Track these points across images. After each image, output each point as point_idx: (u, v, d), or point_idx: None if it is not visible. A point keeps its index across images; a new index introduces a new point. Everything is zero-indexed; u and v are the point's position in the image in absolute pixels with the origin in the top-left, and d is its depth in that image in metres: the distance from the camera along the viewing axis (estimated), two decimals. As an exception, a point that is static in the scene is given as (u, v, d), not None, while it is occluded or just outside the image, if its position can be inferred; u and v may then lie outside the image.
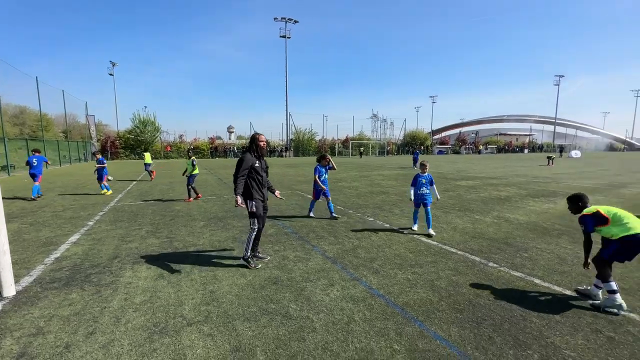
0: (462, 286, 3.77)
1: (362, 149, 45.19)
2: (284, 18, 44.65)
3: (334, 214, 7.29)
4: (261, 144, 4.48)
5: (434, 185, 6.14)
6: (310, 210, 7.52)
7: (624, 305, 3.19)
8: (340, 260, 4.60)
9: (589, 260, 3.48)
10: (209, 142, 44.11)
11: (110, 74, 43.27)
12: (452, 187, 12.50)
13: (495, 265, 4.44)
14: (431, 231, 5.90)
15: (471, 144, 68.50)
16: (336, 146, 51.56)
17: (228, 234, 6.01)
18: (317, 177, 7.20)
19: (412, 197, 6.05)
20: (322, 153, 8.42)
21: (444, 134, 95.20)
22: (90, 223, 6.91)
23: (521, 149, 73.27)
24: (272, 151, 46.98)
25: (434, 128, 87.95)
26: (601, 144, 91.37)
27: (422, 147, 58.69)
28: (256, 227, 4.37)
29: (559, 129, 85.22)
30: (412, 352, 2.57)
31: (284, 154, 46.02)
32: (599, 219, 3.33)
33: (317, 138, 53.65)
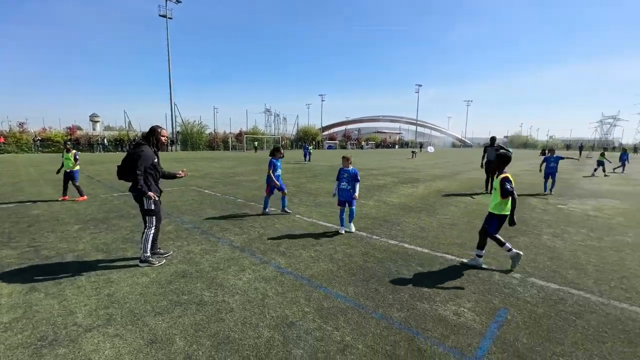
0: (354, 256, 4.55)
1: (256, 143, 44.76)
2: (163, -6, 39.67)
3: (286, 209, 7.18)
4: (162, 138, 4.23)
5: (357, 183, 5.52)
6: (265, 208, 7.13)
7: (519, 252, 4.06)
8: (248, 248, 4.80)
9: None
10: (66, 133, 35.57)
11: None
12: (342, 178, 14.04)
13: (377, 237, 5.46)
14: (352, 227, 5.66)
15: (355, 140, 76.61)
16: (229, 140, 49.53)
17: (115, 235, 5.35)
18: (271, 172, 6.94)
19: (335, 192, 5.67)
20: (276, 145, 8.39)
21: (332, 130, 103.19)
22: None
23: (393, 145, 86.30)
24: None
25: (324, 125, 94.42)
26: (447, 142, 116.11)
27: (314, 142, 62.36)
28: (154, 225, 4.13)
29: (420, 129, 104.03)
30: (319, 311, 3.07)
31: (169, 147, 41.36)
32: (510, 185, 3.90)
33: (208, 131, 50.33)
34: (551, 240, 5.42)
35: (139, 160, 3.89)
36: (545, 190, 10.53)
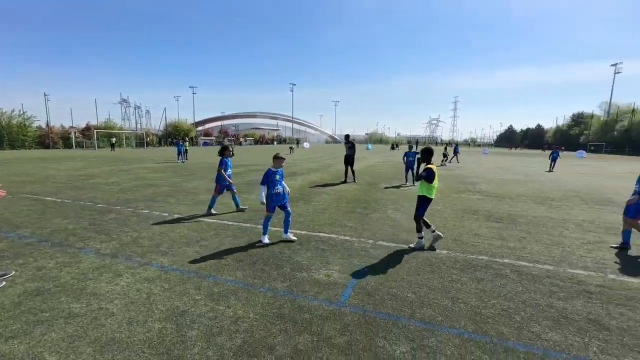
0: (239, 245, 4.84)
1: (113, 140, 37.57)
2: None
3: (240, 207, 7.07)
4: None
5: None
6: (210, 207, 6.79)
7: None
8: (121, 254, 4.41)
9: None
10: None
11: None
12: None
13: (260, 226, 5.88)
14: (291, 236, 5.06)
15: (233, 136, 74.41)
16: (72, 136, 39.94)
17: None
18: (222, 170, 6.73)
19: (264, 200, 4.98)
20: (224, 144, 7.54)
21: (207, 126, 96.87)
22: None
23: (272, 141, 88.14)
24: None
25: (197, 119, 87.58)
26: (321, 139, 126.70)
27: (188, 139, 57.26)
28: None
29: (296, 126, 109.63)
30: (210, 296, 3.28)
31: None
32: (432, 175, 4.71)
33: (36, 124, 39.19)
34: (393, 213, 7.10)
35: None
36: (406, 182, 12.18)
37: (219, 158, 7.01)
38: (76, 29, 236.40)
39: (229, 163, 6.99)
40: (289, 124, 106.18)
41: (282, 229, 5.25)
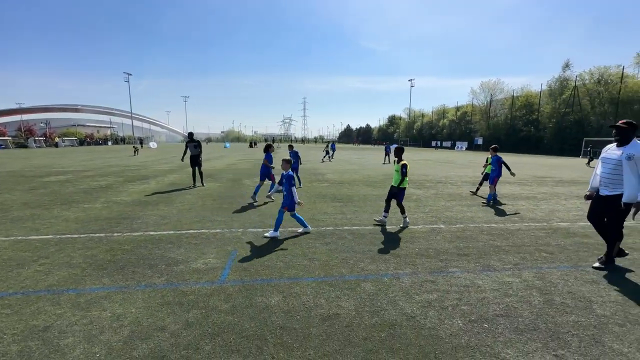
0: (97, 255, 4.43)
1: None
2: None
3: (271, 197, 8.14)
4: None
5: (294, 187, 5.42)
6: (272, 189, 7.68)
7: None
8: None
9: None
10: None
11: None
12: (41, 185, 10.91)
13: (119, 234, 5.43)
14: (276, 233, 5.30)
15: (43, 136, 57.05)
16: None
17: None
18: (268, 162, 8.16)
19: (297, 199, 5.33)
20: (268, 142, 7.58)
21: (-6, 121, 70.43)
22: None
23: (105, 141, 72.65)
24: None
25: (-26, 112, 62.54)
26: (171, 137, 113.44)
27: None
28: None
29: (137, 123, 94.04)
30: (77, 306, 3.09)
31: None
32: (405, 170, 5.85)
33: None
34: (257, 205, 7.84)
35: None
36: (300, 185, 12.00)
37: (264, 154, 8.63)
38: None
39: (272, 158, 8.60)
40: (127, 121, 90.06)
41: (144, 231, 5.08)
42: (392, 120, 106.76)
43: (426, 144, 75.78)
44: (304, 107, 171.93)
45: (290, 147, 11.09)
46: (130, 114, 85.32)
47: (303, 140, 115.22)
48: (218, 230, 5.65)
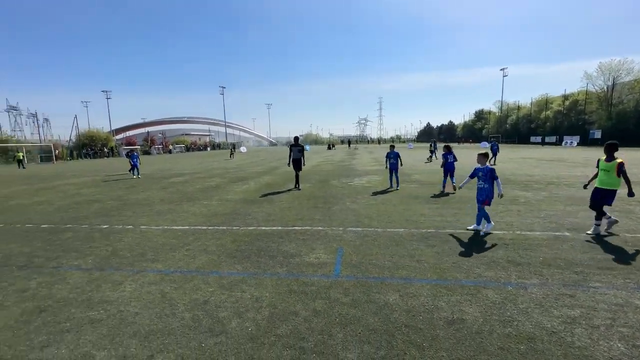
0: (226, 245, 5.18)
1: (21, 155, 31.11)
2: None
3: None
4: None
5: (497, 180, 5.41)
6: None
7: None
8: (106, 266, 4.41)
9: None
10: None
11: None
12: (168, 185, 13.20)
13: (237, 227, 6.23)
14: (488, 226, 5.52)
15: (161, 144, 68.82)
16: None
17: None
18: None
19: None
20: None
21: (128, 133, 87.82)
22: None
23: (205, 147, 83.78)
24: None
25: (115, 127, 78.79)
26: (256, 142, 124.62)
27: (106, 150, 51.16)
28: None
29: (229, 130, 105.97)
30: (222, 287, 3.67)
31: None
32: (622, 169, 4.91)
33: None
34: (351, 205, 8.04)
35: None
36: (391, 186, 10.46)
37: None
38: None
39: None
40: (222, 129, 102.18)
41: (257, 226, 5.71)
42: (480, 115, 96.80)
43: (522, 140, 66.42)
44: (380, 106, 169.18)
45: (392, 147, 10.76)
46: (224, 123, 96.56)
47: (379, 141, 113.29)
48: (320, 228, 6.00)
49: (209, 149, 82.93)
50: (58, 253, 5.02)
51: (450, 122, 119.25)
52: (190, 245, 5.20)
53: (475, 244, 4.91)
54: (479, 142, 62.07)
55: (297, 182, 11.05)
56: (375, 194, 9.61)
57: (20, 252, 5.15)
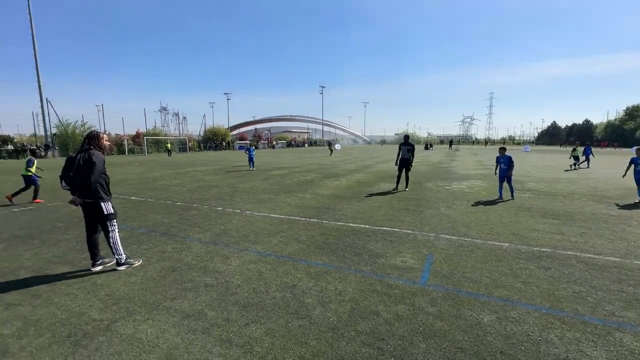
0: (315, 237, 5.49)
1: (169, 145, 39.97)
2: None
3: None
4: (107, 143, 4.36)
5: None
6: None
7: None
8: (219, 242, 5.22)
9: None
10: None
11: None
12: (270, 177, 14.68)
13: (326, 221, 6.52)
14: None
15: (266, 140, 76.75)
16: (125, 143, 43.59)
17: (59, 248, 4.98)
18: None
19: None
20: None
21: (241, 130, 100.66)
22: None
23: (302, 143, 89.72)
24: (18, 151, 33.60)
25: (231, 124, 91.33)
26: (349, 140, 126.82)
27: (224, 143, 60.07)
28: (116, 227, 4.15)
29: (325, 128, 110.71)
30: (309, 275, 3.93)
31: (43, 153, 33.99)
32: None
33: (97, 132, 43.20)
34: (446, 210, 7.44)
35: (94, 166, 3.84)
36: (500, 197, 8.96)
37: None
38: (115, 40, 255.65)
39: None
40: (319, 127, 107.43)
41: (345, 222, 5.82)
42: (634, 112, 75.55)
43: None
44: (490, 103, 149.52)
45: (503, 149, 9.06)
46: (321, 121, 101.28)
47: (486, 142, 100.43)
48: (409, 231, 5.76)
49: (306, 145, 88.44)
50: (186, 226, 6.20)
51: (587, 121, 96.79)
52: (285, 233, 5.70)
53: (609, 274, 3.94)
54: (630, 147, 48.64)
55: (406, 183, 10.37)
56: (476, 201, 8.65)
57: (162, 222, 6.56)
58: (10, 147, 34.52)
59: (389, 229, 5.96)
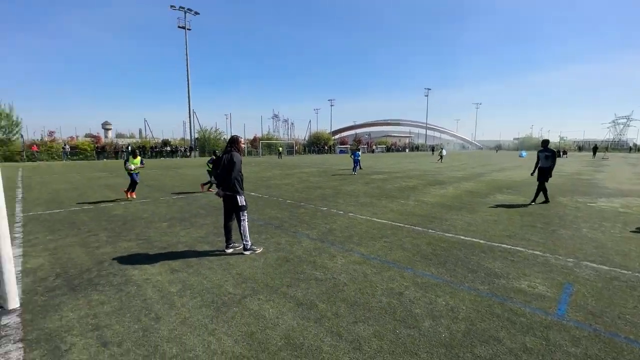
0: (421, 245, 5.24)
1: (280, 148, 45.16)
2: (183, 8, 41.30)
3: None
4: (243, 146, 5.09)
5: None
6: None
7: None
8: (325, 240, 5.54)
9: None
10: (92, 141, 37.18)
11: None
12: (370, 180, 14.72)
13: (433, 231, 6.14)
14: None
15: (366, 144, 77.29)
16: (244, 146, 50.75)
17: (203, 230, 6.15)
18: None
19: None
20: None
21: (342, 134, 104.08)
22: (18, 235, 5.86)
23: (403, 148, 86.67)
24: (174, 151, 42.95)
25: (333, 129, 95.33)
26: (456, 145, 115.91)
27: (327, 147, 63.24)
28: (247, 217, 4.85)
29: (429, 132, 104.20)
30: (416, 285, 3.78)
31: (189, 153, 42.68)
32: None
33: (223, 137, 51.65)
34: (591, 233, 6.02)
35: (233, 165, 4.63)
36: None
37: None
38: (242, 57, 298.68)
39: None
40: (422, 131, 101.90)
41: (455, 234, 5.34)
42: None
43: None
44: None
45: None
46: (424, 124, 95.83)
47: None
48: (538, 253, 4.90)
49: (407, 150, 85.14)
50: (296, 222, 6.79)
51: None
52: (388, 238, 5.63)
53: None
54: None
55: (545, 195, 9.05)
56: (637, 223, 6.73)
57: (275, 217, 7.36)
58: (168, 148, 44.43)
59: (509, 247, 5.21)
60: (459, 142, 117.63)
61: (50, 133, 35.37)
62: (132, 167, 9.64)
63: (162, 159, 39.02)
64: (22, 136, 32.05)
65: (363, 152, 68.63)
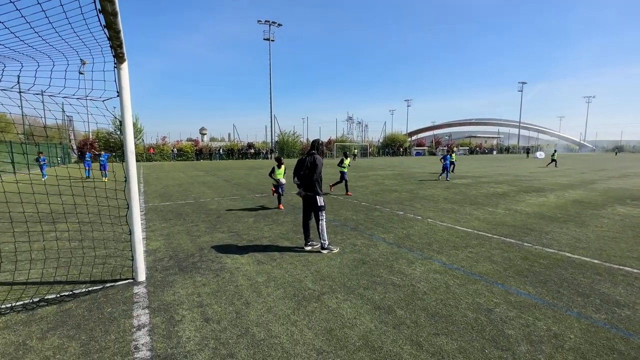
0: (514, 260, 4.67)
1: (355, 151, 45.59)
2: (268, 21, 44.92)
3: None
4: (324, 148, 5.27)
5: None
6: None
7: None
8: (402, 245, 5.37)
9: None
10: (192, 144, 43.37)
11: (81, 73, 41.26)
12: (451, 185, 13.68)
13: (529, 244, 5.40)
14: None
15: (446, 146, 72.02)
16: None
17: (283, 227, 6.58)
18: None
19: None
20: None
21: (419, 136, 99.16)
22: (142, 222, 7.18)
23: (490, 150, 78.00)
24: (257, 153, 46.89)
25: (409, 130, 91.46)
26: (558, 146, 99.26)
27: (402, 149, 61.02)
28: (325, 217, 5.01)
29: (522, 132, 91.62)
30: (509, 303, 3.39)
31: (269, 155, 46.14)
32: None
33: (300, 140, 54.29)
34: None
35: (315, 167, 4.86)
36: None
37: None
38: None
39: None
40: (514, 130, 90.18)
41: (558, 250, 4.58)
42: None
43: None
44: None
45: None
46: (517, 123, 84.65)
47: None
48: (680, 282, 3.90)
49: (494, 152, 76.49)
50: (371, 225, 6.75)
51: None
52: (473, 249, 5.17)
53: None
54: None
55: None
56: None
57: (351, 219, 7.43)
58: (252, 150, 48.76)
59: (634, 270, 4.26)
60: (563, 143, 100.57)
61: (163, 138, 42.26)
62: (278, 178, 8.36)
63: (247, 160, 42.94)
64: (143, 140, 39.13)
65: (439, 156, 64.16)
